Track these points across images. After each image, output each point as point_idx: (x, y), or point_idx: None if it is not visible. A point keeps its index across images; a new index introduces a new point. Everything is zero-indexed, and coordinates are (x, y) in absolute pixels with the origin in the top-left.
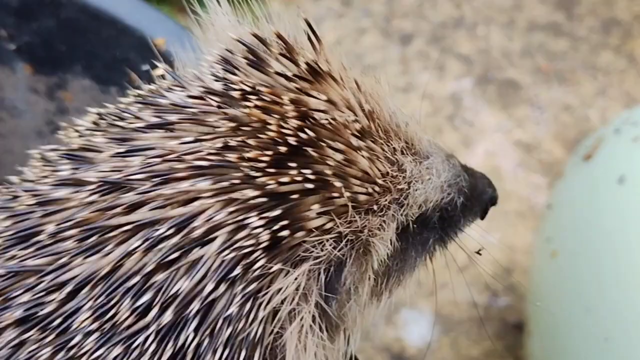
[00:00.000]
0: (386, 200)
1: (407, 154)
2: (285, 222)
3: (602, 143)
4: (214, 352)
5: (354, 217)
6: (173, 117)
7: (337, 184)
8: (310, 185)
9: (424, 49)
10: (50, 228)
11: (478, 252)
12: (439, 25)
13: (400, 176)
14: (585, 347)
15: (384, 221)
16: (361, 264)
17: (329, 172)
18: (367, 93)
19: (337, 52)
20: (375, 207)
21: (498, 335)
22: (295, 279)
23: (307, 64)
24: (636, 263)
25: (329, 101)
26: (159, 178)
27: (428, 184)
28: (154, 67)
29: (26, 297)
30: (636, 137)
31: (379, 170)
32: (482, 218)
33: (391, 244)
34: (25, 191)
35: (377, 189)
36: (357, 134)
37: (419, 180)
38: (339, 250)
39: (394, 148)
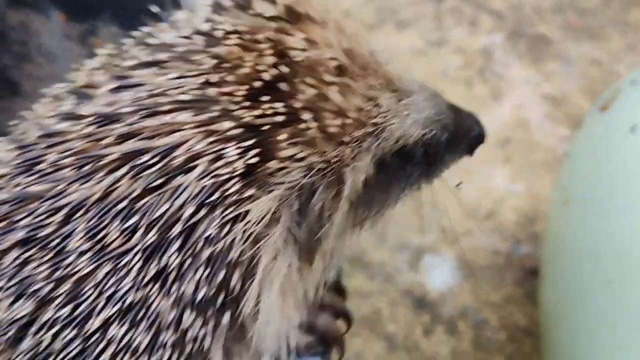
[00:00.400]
0: (359, 132)
1: (385, 91)
2: (257, 151)
3: (619, 94)
4: (195, 271)
5: (325, 147)
6: (163, 56)
7: (306, 116)
8: (280, 118)
9: (458, 5)
10: (52, 158)
11: (457, 186)
12: None
13: (376, 111)
14: (591, 290)
15: (358, 152)
16: (334, 192)
17: (299, 105)
18: (347, 33)
19: None
20: (347, 139)
21: (518, 282)
22: (268, 203)
23: (286, 5)
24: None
25: (307, 40)
26: (146, 111)
27: (407, 119)
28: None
29: (28, 220)
30: None
31: (354, 105)
32: (471, 155)
33: (367, 174)
34: (34, 125)
35: (348, 121)
36: (333, 71)
37: (396, 115)
38: (309, 178)
39: (370, 85)
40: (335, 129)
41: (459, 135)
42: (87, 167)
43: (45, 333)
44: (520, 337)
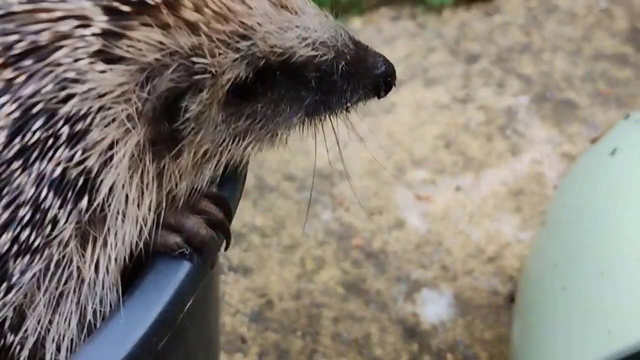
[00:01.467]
0: (221, 26)
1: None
2: (112, 30)
3: (610, 128)
4: (56, 150)
5: (179, 34)
6: None
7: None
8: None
9: (488, 68)
10: None
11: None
12: (506, 48)
13: (245, 11)
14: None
15: (222, 49)
16: (198, 88)
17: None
18: None
19: None
20: (205, 29)
21: None
22: (116, 78)
23: None
24: (602, 223)
25: None
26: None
27: (288, 32)
28: None
29: None
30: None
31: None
32: (379, 96)
33: (239, 77)
34: None
35: (208, 12)
36: None
37: (273, 23)
38: (158, 59)
39: None
40: (191, 17)
41: (361, 68)
42: None
43: None
44: None
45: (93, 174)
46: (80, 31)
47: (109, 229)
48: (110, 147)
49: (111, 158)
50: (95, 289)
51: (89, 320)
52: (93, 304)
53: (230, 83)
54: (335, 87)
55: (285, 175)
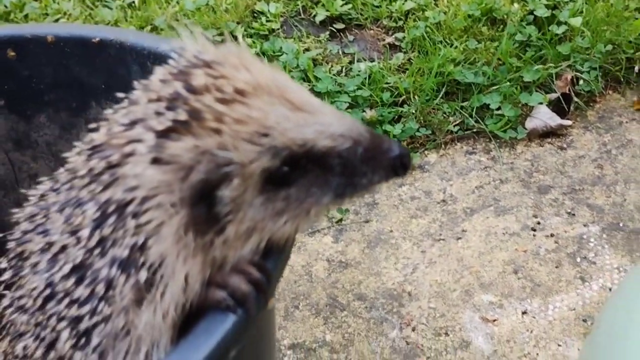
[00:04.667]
0: (241, 128)
1: (280, 106)
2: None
3: None
4: (124, 237)
5: (205, 137)
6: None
7: (189, 118)
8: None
9: (559, 198)
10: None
11: None
12: (578, 180)
13: (267, 117)
14: None
15: (246, 146)
16: (232, 179)
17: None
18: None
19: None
20: (226, 129)
21: None
22: (161, 176)
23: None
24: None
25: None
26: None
27: (306, 127)
28: None
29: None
30: None
31: (236, 112)
32: (399, 174)
33: (268, 167)
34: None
35: (227, 119)
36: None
37: (290, 122)
38: (194, 159)
39: (263, 102)
40: (213, 125)
41: (377, 152)
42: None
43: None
44: None
45: (147, 250)
46: (138, 149)
47: (159, 292)
48: (159, 226)
49: (159, 235)
50: (150, 339)
51: None
52: (149, 350)
53: (260, 171)
54: (357, 171)
55: (356, 295)
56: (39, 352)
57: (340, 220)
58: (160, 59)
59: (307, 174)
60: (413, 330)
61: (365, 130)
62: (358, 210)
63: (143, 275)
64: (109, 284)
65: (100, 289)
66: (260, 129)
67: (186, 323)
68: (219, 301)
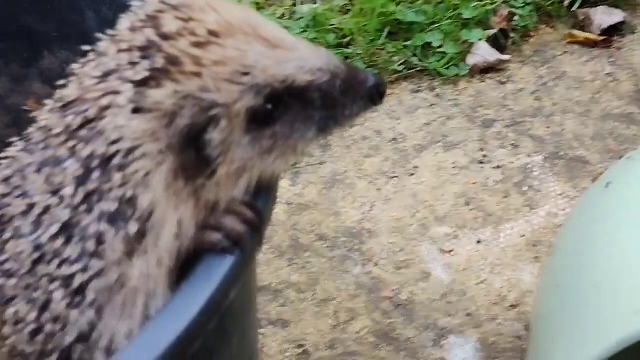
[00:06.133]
0: (222, 69)
1: (256, 44)
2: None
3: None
4: (111, 191)
5: (193, 81)
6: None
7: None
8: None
9: (502, 131)
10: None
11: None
12: (519, 113)
13: (245, 56)
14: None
15: (229, 86)
16: (219, 121)
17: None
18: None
19: None
20: (206, 72)
21: None
22: (144, 125)
23: None
24: (597, 245)
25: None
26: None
27: (284, 64)
28: None
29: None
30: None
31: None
32: (376, 104)
33: (253, 105)
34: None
35: (207, 62)
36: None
37: (269, 59)
38: (177, 103)
39: (238, 41)
40: (193, 68)
41: (354, 83)
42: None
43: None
44: None
45: (136, 201)
46: (116, 101)
47: (151, 242)
48: (146, 176)
49: (148, 185)
50: (146, 290)
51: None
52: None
53: (245, 110)
54: (337, 103)
55: (317, 236)
56: (32, 315)
57: (296, 163)
58: (117, 4)
59: (290, 111)
60: (375, 265)
61: (341, 62)
62: (312, 152)
63: (134, 226)
64: (99, 240)
65: (91, 245)
66: (240, 69)
67: (184, 269)
68: (215, 243)
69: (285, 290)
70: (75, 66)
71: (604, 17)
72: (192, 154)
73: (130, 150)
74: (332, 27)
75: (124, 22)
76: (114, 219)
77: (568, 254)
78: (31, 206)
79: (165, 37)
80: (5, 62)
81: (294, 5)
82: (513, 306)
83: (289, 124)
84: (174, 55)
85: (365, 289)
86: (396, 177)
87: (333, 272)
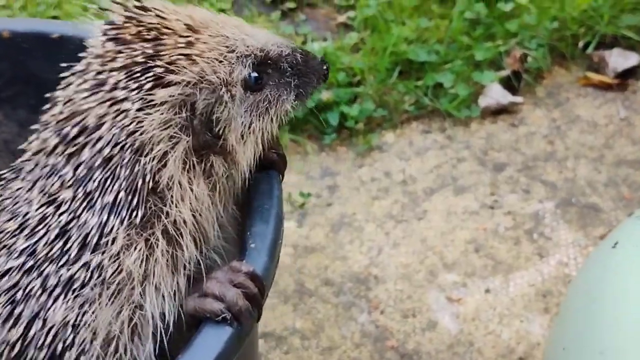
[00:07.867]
0: (212, 54)
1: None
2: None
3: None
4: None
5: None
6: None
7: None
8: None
9: (514, 175)
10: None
11: None
12: (531, 157)
13: (226, 41)
14: None
15: (222, 63)
16: (223, 97)
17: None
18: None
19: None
20: (200, 58)
21: None
22: (159, 116)
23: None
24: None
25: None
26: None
27: (259, 39)
28: None
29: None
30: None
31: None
32: (325, 80)
33: (244, 76)
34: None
35: (196, 51)
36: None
37: (247, 36)
38: (184, 90)
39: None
40: (189, 60)
41: (309, 57)
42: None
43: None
44: None
45: (157, 178)
46: (124, 106)
47: (170, 210)
48: (165, 154)
49: (166, 162)
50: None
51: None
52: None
53: (240, 82)
54: (302, 72)
55: (323, 280)
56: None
57: (303, 204)
58: None
59: (272, 78)
60: (381, 313)
61: (296, 46)
62: (320, 193)
63: (139, 215)
64: (101, 232)
65: (91, 239)
66: (226, 49)
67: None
68: (215, 312)
69: (289, 337)
70: (56, 93)
71: (619, 59)
72: (205, 134)
73: (144, 142)
74: (342, 65)
75: (104, 41)
76: (117, 209)
77: (575, 315)
78: (23, 225)
79: (157, 43)
80: (13, 108)
81: (304, 42)
82: (521, 359)
83: (275, 88)
84: (170, 58)
85: (370, 338)
86: (405, 221)
87: (338, 319)
